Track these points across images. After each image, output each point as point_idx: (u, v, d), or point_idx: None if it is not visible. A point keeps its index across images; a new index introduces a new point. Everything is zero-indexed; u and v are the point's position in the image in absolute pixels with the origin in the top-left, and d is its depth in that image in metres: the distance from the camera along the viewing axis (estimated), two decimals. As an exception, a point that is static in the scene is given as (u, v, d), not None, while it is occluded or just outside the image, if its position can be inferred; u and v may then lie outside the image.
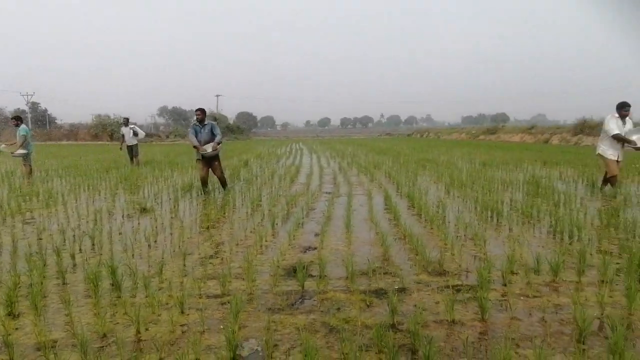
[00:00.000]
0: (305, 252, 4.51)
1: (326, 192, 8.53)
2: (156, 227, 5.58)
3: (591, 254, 4.14)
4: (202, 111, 8.12)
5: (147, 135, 47.41)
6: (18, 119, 10.57)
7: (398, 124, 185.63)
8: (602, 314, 2.86)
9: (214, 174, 8.37)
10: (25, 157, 10.58)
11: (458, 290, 3.31)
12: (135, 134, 13.78)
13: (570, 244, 4.56)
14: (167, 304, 3.13)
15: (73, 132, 50.54)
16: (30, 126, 58.38)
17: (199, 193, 8.18)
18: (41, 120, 65.50)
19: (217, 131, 8.23)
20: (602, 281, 3.44)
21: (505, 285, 3.43)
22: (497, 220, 5.76)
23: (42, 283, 3.39)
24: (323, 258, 4.00)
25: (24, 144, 10.40)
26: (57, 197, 7.79)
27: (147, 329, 2.74)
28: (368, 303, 3.14)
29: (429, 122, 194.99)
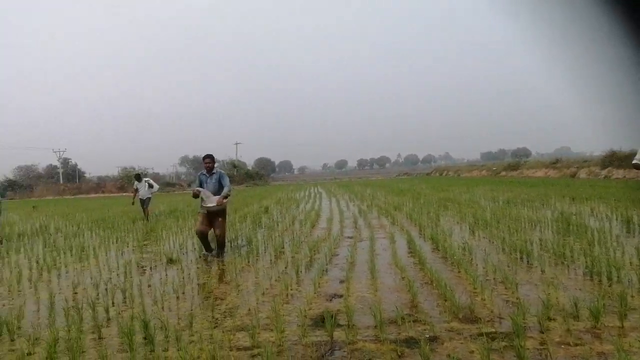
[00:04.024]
0: (331, 300, 4.48)
1: (348, 237, 8.52)
2: (183, 278, 5.66)
3: (632, 296, 3.99)
4: (211, 158, 7.10)
5: (169, 184, 48.72)
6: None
7: (416, 163, 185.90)
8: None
9: (214, 231, 7.06)
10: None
11: (493, 339, 3.23)
12: (151, 186, 13.59)
13: (609, 286, 4.41)
14: (198, 357, 3.14)
15: (100, 184, 52.18)
16: (62, 180, 60.81)
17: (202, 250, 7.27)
18: (71, 174, 67.90)
19: (226, 182, 7.10)
20: (645, 325, 3.31)
21: (542, 332, 3.33)
22: (528, 261, 5.64)
23: (79, 338, 3.46)
24: (350, 306, 3.97)
25: None
26: (88, 250, 7.99)
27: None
28: (399, 353, 3.09)
29: (448, 160, 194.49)
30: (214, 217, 6.95)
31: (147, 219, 13.38)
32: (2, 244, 9.43)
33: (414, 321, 3.70)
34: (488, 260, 5.65)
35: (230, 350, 3.26)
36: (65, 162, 67.32)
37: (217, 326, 3.80)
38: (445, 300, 4.16)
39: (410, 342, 3.26)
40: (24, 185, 55.47)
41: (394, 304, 4.14)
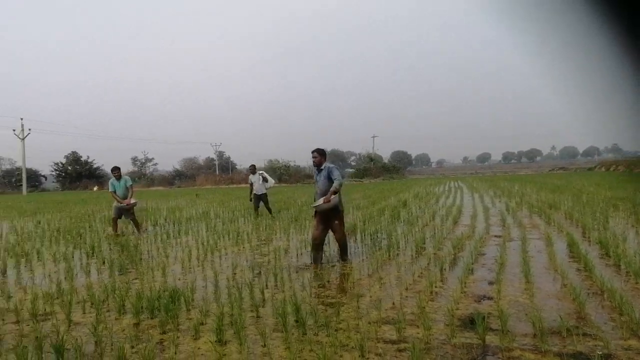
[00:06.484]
0: (480, 301, 4.23)
1: (495, 236, 7.94)
2: (327, 268, 5.90)
3: None
4: (318, 152, 6.35)
5: (308, 176, 51.31)
6: (118, 169, 10.06)
7: (574, 157, 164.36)
8: None
9: (334, 235, 6.42)
10: (133, 209, 10.24)
11: (690, 366, 2.69)
12: (265, 180, 12.35)
13: None
14: (347, 345, 3.24)
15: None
16: (218, 171, 68.87)
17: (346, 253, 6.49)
18: (225, 166, 76.30)
19: (335, 175, 6.17)
20: None
21: None
22: None
23: (241, 314, 3.85)
24: (503, 310, 3.68)
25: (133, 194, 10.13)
26: (243, 235, 8.87)
27: (331, 369, 2.87)
28: (566, 369, 2.76)
29: (617, 153, 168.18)
30: (329, 219, 6.25)
31: (271, 214, 12.52)
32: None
33: (582, 334, 3.28)
34: (678, 272, 4.73)
35: (377, 342, 3.29)
36: (220, 154, 75.96)
37: (362, 317, 3.87)
38: (621, 315, 3.60)
39: (579, 358, 2.89)
40: (188, 175, 64.07)
41: (555, 312, 3.74)
